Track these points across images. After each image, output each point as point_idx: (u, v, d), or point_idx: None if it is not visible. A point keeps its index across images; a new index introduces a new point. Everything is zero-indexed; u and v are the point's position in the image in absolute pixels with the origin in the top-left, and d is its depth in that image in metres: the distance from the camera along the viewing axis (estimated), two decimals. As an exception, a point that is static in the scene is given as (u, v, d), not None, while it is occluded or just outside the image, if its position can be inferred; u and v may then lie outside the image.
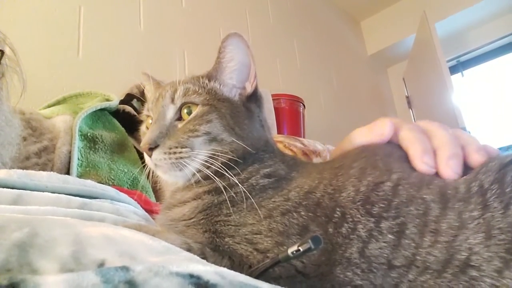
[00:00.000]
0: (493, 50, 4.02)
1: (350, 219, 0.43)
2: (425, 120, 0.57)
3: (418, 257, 0.40)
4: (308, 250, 0.37)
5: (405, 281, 0.40)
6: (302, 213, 0.45)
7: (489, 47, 4.01)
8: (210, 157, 0.53)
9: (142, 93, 1.14)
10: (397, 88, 4.50)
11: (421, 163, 0.49)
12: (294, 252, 0.38)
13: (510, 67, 3.93)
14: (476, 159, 0.49)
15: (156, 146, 0.54)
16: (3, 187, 0.45)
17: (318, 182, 0.48)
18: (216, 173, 0.51)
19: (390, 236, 0.41)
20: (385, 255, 0.41)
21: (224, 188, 0.49)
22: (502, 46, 3.96)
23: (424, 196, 0.43)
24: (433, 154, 0.51)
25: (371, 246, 0.41)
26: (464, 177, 0.45)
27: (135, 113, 1.05)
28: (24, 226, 0.27)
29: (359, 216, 0.43)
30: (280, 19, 3.02)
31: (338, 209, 0.44)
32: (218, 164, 0.52)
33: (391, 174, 0.46)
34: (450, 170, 0.48)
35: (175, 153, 0.53)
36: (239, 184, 0.49)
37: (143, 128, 0.66)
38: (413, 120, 4.19)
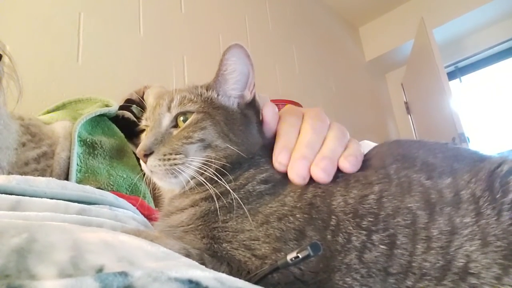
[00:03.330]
0: (491, 56, 4.04)
1: (344, 230, 0.44)
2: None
3: (413, 264, 0.40)
4: (307, 257, 0.38)
5: (403, 287, 0.40)
6: (298, 215, 0.46)
7: (487, 53, 4.03)
8: (204, 163, 0.53)
9: (142, 98, 1.14)
10: (395, 94, 4.52)
11: (276, 162, 0.53)
12: (293, 258, 0.38)
13: (508, 73, 3.95)
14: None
15: (151, 153, 0.54)
16: (2, 193, 0.45)
17: (306, 184, 0.50)
18: (211, 180, 0.52)
19: (382, 246, 0.42)
20: (381, 263, 0.41)
21: (219, 194, 0.49)
22: (500, 52, 3.98)
23: (409, 205, 0.43)
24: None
25: (366, 255, 0.42)
26: (447, 181, 0.45)
27: (134, 119, 1.05)
28: (22, 231, 0.27)
29: (351, 228, 0.44)
30: (279, 25, 3.04)
31: (333, 217, 0.45)
32: (212, 171, 0.52)
33: (373, 187, 0.47)
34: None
35: (169, 159, 0.53)
36: (231, 191, 0.49)
37: (143, 136, 0.66)
38: (412, 126, 4.20)
